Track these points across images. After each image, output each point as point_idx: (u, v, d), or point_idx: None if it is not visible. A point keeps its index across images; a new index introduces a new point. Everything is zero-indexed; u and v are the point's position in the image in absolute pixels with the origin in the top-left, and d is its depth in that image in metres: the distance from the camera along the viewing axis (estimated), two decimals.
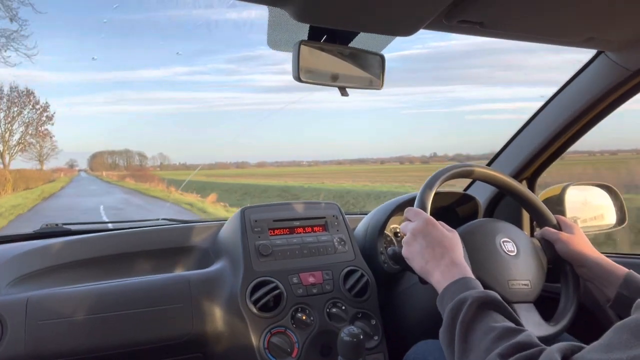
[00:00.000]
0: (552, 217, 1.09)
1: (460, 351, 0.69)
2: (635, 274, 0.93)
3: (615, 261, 0.98)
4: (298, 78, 0.93)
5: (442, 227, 0.91)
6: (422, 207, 0.97)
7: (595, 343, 0.57)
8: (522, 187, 1.11)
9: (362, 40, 1.00)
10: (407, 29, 0.91)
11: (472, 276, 0.82)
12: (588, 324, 1.18)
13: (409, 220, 0.94)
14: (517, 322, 0.72)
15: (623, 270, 0.94)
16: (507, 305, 0.75)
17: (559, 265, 1.04)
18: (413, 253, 0.89)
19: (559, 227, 1.08)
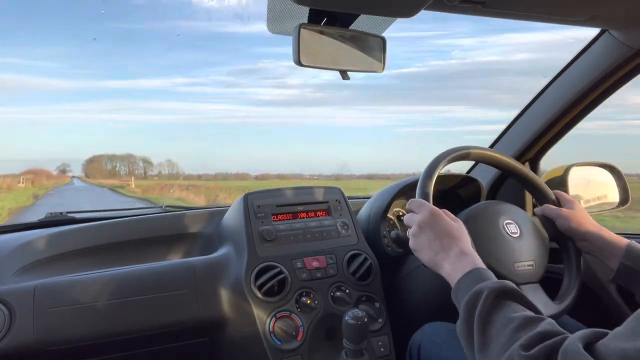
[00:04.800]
0: (551, 193, 1.08)
1: (479, 344, 0.68)
2: (636, 243, 0.93)
3: None
4: (298, 62, 0.92)
5: (447, 217, 0.90)
6: (425, 197, 0.96)
7: (617, 329, 0.56)
8: (519, 165, 1.10)
9: (363, 23, 0.99)
10: (409, 10, 0.89)
11: (483, 265, 0.81)
12: (592, 305, 1.19)
13: (413, 212, 0.93)
14: (536, 310, 0.70)
15: (624, 241, 0.94)
16: (523, 294, 0.73)
17: (561, 241, 1.05)
18: (421, 245, 0.88)
19: (558, 203, 1.07)
